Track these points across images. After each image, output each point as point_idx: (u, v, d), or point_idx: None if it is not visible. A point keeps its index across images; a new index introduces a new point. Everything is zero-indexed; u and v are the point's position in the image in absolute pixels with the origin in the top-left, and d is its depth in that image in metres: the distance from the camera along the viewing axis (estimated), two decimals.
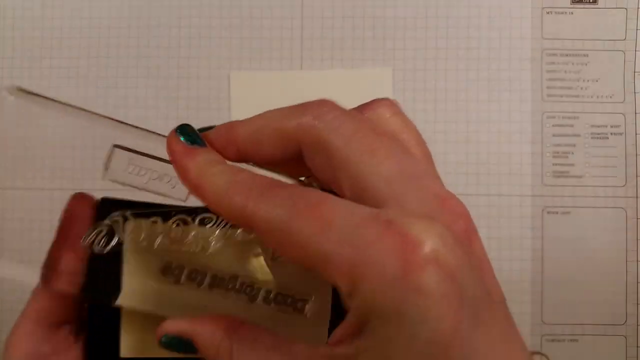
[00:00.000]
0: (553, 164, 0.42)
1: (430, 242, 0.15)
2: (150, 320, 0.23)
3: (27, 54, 0.43)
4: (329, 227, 0.16)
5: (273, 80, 0.42)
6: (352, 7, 0.42)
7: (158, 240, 0.22)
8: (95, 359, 0.24)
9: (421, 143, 0.20)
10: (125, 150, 0.23)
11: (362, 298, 0.15)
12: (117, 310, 0.24)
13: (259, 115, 0.20)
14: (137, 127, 0.23)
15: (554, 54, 0.42)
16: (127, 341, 0.24)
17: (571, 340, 0.41)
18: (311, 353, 0.18)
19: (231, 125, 0.20)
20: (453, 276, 0.15)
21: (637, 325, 0.41)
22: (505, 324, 0.17)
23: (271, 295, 0.23)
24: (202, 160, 0.19)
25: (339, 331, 0.17)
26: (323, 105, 0.19)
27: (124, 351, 0.24)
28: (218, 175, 0.18)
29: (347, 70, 0.42)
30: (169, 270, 0.23)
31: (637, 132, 0.42)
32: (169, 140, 0.20)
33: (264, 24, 0.43)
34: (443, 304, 0.15)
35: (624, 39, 0.42)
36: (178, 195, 0.22)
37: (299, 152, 0.19)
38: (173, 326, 0.20)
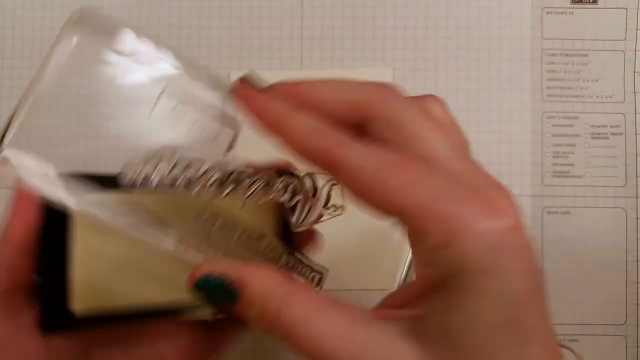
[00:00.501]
0: (553, 164, 0.42)
1: (514, 213, 0.17)
2: (103, 272, 0.24)
3: (27, 54, 0.43)
4: (422, 181, 0.17)
5: (273, 80, 0.42)
6: (352, 7, 0.42)
7: (197, 188, 0.22)
8: (49, 319, 0.24)
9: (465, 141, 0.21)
10: (174, 93, 0.22)
11: (459, 250, 0.16)
12: (64, 267, 0.24)
13: (326, 80, 0.21)
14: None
15: (554, 54, 0.42)
16: (78, 292, 0.24)
17: (571, 340, 0.41)
18: (371, 315, 0.18)
19: (297, 84, 0.21)
20: (531, 246, 0.17)
21: (637, 325, 0.41)
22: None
23: (291, 263, 0.23)
24: (280, 104, 0.20)
25: (402, 292, 0.19)
26: (390, 88, 0.20)
27: (76, 304, 0.23)
28: (303, 119, 0.19)
29: (347, 70, 0.42)
30: (201, 215, 0.23)
31: (637, 132, 0.41)
32: (241, 82, 0.21)
33: (263, 24, 0.43)
34: (528, 265, 0.17)
35: (624, 39, 0.42)
36: (218, 148, 0.23)
37: (357, 121, 0.20)
38: (220, 266, 0.19)
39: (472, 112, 0.42)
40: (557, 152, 0.42)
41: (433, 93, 0.44)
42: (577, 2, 0.42)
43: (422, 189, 0.17)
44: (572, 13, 0.42)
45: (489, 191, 0.17)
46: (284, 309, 0.18)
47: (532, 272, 0.17)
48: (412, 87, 0.42)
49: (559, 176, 0.41)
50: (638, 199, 0.41)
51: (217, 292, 0.19)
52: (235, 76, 0.42)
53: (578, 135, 0.42)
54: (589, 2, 0.42)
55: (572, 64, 0.42)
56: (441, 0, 0.42)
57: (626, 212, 0.41)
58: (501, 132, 0.42)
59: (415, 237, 0.18)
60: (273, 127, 0.20)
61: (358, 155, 0.18)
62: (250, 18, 0.43)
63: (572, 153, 0.42)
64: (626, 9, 0.42)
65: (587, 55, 0.42)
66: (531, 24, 0.42)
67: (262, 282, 0.19)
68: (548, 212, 0.41)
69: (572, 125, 0.42)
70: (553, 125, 0.42)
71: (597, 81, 0.42)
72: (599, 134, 0.42)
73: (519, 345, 0.17)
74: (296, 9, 0.43)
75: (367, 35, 0.42)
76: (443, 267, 0.17)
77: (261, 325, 0.19)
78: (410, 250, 0.22)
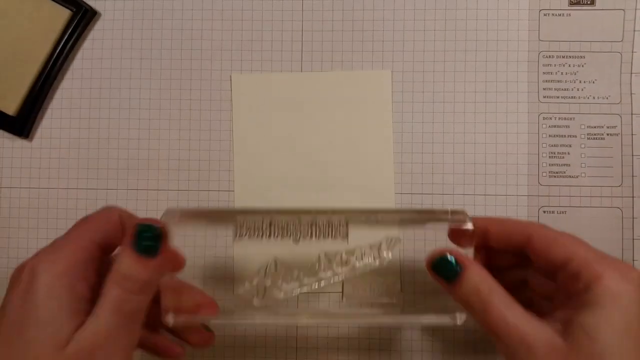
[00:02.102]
0: (549, 165, 0.42)
1: (637, 273, 0.28)
2: None
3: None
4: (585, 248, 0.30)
5: (273, 82, 0.43)
6: (351, 10, 0.43)
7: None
8: None
9: None
10: None
11: (605, 285, 0.28)
12: None
13: (498, 222, 0.33)
14: None
15: (551, 56, 0.42)
16: None
17: None
18: (532, 315, 0.28)
19: (486, 225, 0.33)
20: None
21: None
22: None
23: None
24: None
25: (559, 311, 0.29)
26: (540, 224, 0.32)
27: None
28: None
29: (347, 72, 0.43)
30: None
31: (633, 133, 0.42)
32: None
33: (264, 27, 0.43)
34: None
35: (621, 40, 0.42)
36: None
37: (521, 245, 0.31)
38: (454, 251, 0.31)
39: (469, 113, 0.42)
40: (553, 153, 0.42)
41: (431, 95, 0.44)
42: (575, 3, 0.43)
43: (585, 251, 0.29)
44: (569, 15, 0.43)
45: (621, 262, 0.29)
46: (492, 292, 0.29)
47: None
48: (411, 89, 0.42)
49: (555, 176, 0.42)
50: (634, 199, 0.42)
51: (446, 271, 0.30)
52: (236, 78, 0.43)
53: (574, 136, 0.42)
54: (587, 3, 0.42)
55: (569, 65, 0.42)
56: (439, 2, 0.43)
57: (622, 211, 0.42)
58: (498, 133, 0.42)
59: (570, 274, 0.29)
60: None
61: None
62: (251, 20, 0.43)
63: (568, 153, 0.42)
64: (623, 10, 0.42)
65: (583, 57, 0.42)
66: (528, 26, 0.42)
67: (479, 269, 0.30)
68: (544, 212, 0.42)
69: (568, 126, 0.42)
70: (549, 126, 0.42)
71: (593, 82, 0.42)
72: (595, 134, 0.42)
73: (630, 347, 0.27)
74: (296, 12, 0.43)
75: (367, 38, 0.43)
76: (588, 297, 0.28)
77: (467, 297, 0.30)
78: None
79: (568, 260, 0.29)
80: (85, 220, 0.30)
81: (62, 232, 0.42)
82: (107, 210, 0.31)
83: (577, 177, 0.42)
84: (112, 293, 0.27)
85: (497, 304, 0.29)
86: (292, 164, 0.42)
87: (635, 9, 0.42)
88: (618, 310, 0.27)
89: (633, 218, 0.42)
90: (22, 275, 0.26)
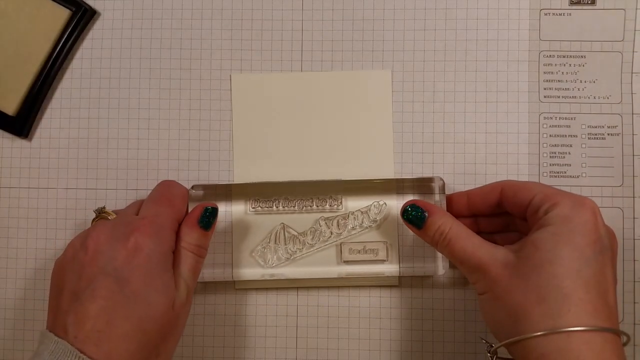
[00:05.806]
0: (550, 164, 0.42)
1: (591, 202, 0.33)
2: None
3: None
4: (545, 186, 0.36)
5: (273, 82, 0.43)
6: (351, 9, 0.43)
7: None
8: None
9: None
10: None
11: (558, 210, 0.32)
12: None
13: (475, 189, 0.39)
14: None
15: (552, 56, 0.42)
16: None
17: None
18: (494, 248, 0.34)
19: (467, 193, 0.39)
20: (601, 221, 0.32)
21: (634, 324, 0.41)
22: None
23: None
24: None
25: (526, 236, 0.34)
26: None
27: None
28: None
29: (347, 72, 0.43)
30: None
31: (634, 133, 0.42)
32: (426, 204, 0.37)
33: (264, 27, 0.43)
34: (594, 228, 0.32)
35: (622, 40, 0.42)
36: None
37: (497, 201, 0.37)
38: (420, 201, 0.37)
39: (470, 113, 0.42)
40: (554, 153, 0.42)
41: (431, 95, 0.44)
42: (575, 3, 0.43)
43: (551, 190, 0.35)
44: (570, 14, 0.43)
45: (578, 195, 0.34)
46: (453, 228, 0.35)
47: (596, 232, 0.32)
48: (411, 89, 0.42)
49: (556, 176, 0.42)
50: (634, 199, 0.42)
51: (415, 218, 0.36)
52: (236, 78, 0.43)
53: (575, 136, 0.42)
54: (587, 3, 0.42)
55: (570, 65, 0.42)
56: (439, 2, 0.43)
57: (623, 211, 0.42)
58: (499, 133, 0.42)
59: (533, 208, 0.34)
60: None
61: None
62: (251, 20, 0.43)
63: (569, 153, 0.42)
64: (624, 9, 0.42)
65: (584, 57, 0.42)
66: (529, 25, 0.42)
67: (441, 212, 0.36)
68: None
69: (569, 126, 0.42)
70: (550, 126, 0.42)
71: (594, 82, 0.42)
72: (595, 134, 0.42)
73: (574, 257, 0.31)
74: (296, 12, 0.43)
75: (366, 38, 0.43)
76: (547, 220, 0.32)
77: (434, 236, 0.35)
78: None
79: (532, 198, 0.34)
80: (172, 202, 0.37)
81: (61, 232, 0.43)
82: (180, 190, 0.38)
83: (577, 177, 0.42)
84: (190, 260, 0.35)
85: (458, 237, 0.34)
86: (292, 164, 0.42)
87: (636, 9, 0.42)
88: (566, 227, 0.31)
89: (634, 218, 0.41)
90: (128, 246, 0.33)
